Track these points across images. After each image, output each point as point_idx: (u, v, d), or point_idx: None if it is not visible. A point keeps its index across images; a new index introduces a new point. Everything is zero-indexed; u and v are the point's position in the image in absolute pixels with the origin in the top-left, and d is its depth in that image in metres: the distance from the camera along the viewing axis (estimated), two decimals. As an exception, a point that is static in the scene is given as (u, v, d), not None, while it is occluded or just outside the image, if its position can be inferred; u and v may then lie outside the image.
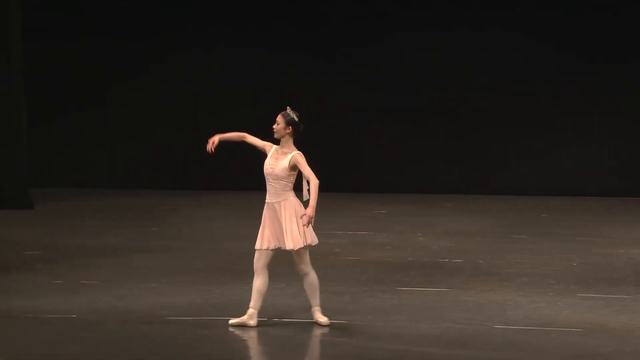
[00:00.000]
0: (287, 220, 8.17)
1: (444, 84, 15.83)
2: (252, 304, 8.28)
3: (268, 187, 8.29)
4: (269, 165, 8.28)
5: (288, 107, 8.33)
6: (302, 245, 8.19)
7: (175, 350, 7.80)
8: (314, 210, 8.05)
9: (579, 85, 15.61)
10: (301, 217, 8.10)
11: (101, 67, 16.18)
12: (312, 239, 8.26)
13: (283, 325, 8.39)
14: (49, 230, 12.74)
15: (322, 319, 8.35)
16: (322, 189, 16.68)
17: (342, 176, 15.94)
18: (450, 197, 15.34)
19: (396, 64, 15.87)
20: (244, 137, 8.46)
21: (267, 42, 16.01)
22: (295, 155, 8.21)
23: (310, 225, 8.16)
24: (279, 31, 15.97)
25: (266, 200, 8.30)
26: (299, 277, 8.38)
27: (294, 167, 8.20)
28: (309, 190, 8.14)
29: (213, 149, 8.41)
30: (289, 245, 8.17)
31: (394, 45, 15.86)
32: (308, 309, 8.64)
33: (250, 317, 8.26)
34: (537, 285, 9.72)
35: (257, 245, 8.32)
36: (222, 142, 8.41)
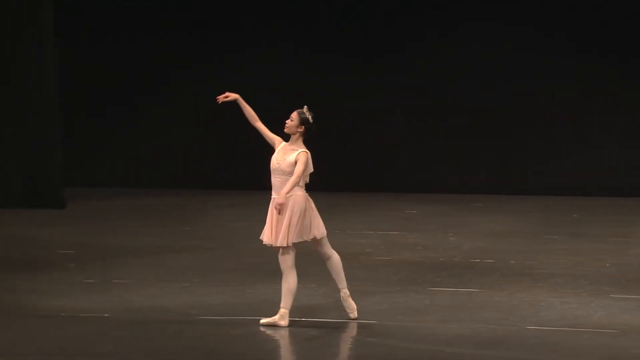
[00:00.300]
0: (291, 215, 8.16)
1: (478, 83, 15.77)
2: (282, 304, 8.29)
3: (273, 182, 8.30)
4: (275, 161, 8.30)
5: (305, 107, 8.34)
6: (285, 244, 8.18)
7: (207, 350, 7.82)
8: (283, 198, 8.05)
9: (605, 84, 15.44)
10: (275, 207, 8.11)
11: (130, 67, 16.23)
12: (300, 236, 8.18)
13: (314, 325, 8.39)
14: (81, 230, 12.81)
15: (353, 311, 8.35)
16: (354, 188, 16.67)
17: (373, 176, 15.92)
18: (480, 197, 15.28)
19: (426, 63, 15.82)
20: (256, 119, 8.46)
21: (306, 40, 15.98)
22: (301, 152, 8.23)
23: (317, 218, 8.20)
24: (319, 32, 15.95)
25: (272, 196, 8.30)
26: (323, 261, 8.40)
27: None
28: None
29: (221, 101, 8.38)
30: (280, 241, 8.19)
31: (425, 44, 15.81)
32: (339, 309, 8.65)
33: (281, 317, 8.28)
34: (570, 286, 9.67)
35: (262, 236, 8.31)
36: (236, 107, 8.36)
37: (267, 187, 16.88)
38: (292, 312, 8.34)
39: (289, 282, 8.29)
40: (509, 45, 15.63)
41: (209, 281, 9.89)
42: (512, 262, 10.83)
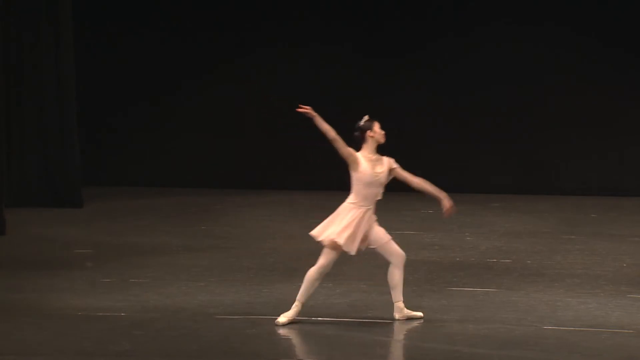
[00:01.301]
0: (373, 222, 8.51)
1: (494, 84, 15.73)
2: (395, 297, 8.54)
3: (367, 194, 8.43)
4: (374, 173, 8.46)
5: (367, 116, 8.58)
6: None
7: (224, 349, 7.83)
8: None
9: (625, 83, 15.37)
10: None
11: (154, 65, 16.23)
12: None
13: (331, 324, 8.39)
14: (99, 229, 12.84)
15: (414, 313, 8.56)
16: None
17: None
18: (497, 197, 15.24)
19: (450, 64, 15.78)
20: (333, 134, 8.39)
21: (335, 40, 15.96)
22: (391, 160, 8.51)
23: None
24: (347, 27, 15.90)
25: (362, 205, 8.46)
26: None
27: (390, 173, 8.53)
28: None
29: (300, 111, 8.43)
30: (379, 241, 8.56)
31: (447, 45, 15.78)
32: (356, 308, 8.66)
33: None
34: (588, 286, 9.64)
35: (349, 249, 8.41)
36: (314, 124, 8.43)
37: (285, 187, 16.67)
38: (308, 311, 8.33)
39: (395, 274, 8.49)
40: (527, 45, 15.57)
41: (225, 280, 9.90)
42: (529, 262, 10.80)
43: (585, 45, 15.44)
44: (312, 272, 8.38)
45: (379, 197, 8.55)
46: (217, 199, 15.13)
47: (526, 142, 15.78)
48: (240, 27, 16.12)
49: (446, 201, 8.54)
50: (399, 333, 8.20)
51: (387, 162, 8.53)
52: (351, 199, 8.46)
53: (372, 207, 8.52)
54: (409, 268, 10.46)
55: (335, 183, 17.12)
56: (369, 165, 8.45)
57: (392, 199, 15.05)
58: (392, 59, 15.87)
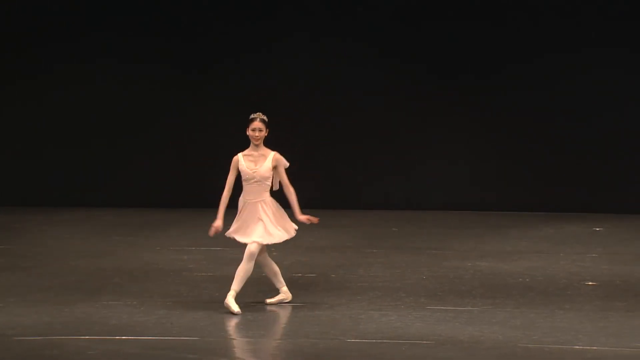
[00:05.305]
0: (269, 218, 9.11)
1: (301, 98, 15.91)
2: (279, 285, 9.42)
3: (249, 188, 9.05)
4: (250, 170, 9.02)
5: (259, 113, 9.05)
6: (283, 239, 9.26)
7: (24, 372, 7.62)
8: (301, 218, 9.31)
9: (424, 100, 15.71)
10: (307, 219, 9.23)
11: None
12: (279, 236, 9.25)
13: (135, 343, 8.29)
14: None
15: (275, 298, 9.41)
16: (177, 205, 16.42)
17: (195, 192, 15.81)
18: (303, 212, 15.36)
19: (242, 77, 15.86)
20: (229, 193, 9.07)
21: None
22: (278, 155, 9.06)
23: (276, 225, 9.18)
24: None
25: (246, 199, 9.10)
26: (261, 266, 9.39)
27: (275, 167, 9.07)
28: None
29: (213, 234, 9.21)
30: (274, 239, 9.19)
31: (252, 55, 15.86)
32: (160, 326, 8.57)
33: (284, 293, 9.42)
34: (389, 298, 9.86)
35: (242, 239, 9.12)
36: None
37: (85, 204, 16.25)
38: (112, 330, 8.16)
39: (271, 266, 9.42)
40: (325, 59, 15.80)
41: (25, 301, 9.64)
42: (333, 276, 10.97)
43: (383, 60, 15.68)
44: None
45: (267, 190, 9.08)
46: (17, 218, 14.73)
47: (329, 156, 16.00)
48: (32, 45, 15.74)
49: (300, 216, 9.28)
50: (204, 350, 8.17)
51: (272, 158, 9.05)
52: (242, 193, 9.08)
53: (257, 200, 9.05)
54: (214, 284, 10.46)
55: (137, 199, 16.89)
56: (248, 163, 9.03)
57: (187, 214, 15.06)
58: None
